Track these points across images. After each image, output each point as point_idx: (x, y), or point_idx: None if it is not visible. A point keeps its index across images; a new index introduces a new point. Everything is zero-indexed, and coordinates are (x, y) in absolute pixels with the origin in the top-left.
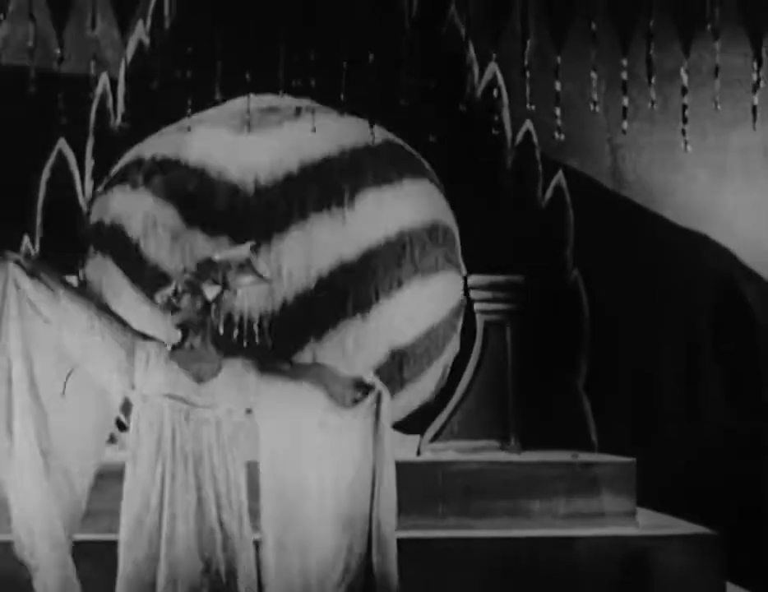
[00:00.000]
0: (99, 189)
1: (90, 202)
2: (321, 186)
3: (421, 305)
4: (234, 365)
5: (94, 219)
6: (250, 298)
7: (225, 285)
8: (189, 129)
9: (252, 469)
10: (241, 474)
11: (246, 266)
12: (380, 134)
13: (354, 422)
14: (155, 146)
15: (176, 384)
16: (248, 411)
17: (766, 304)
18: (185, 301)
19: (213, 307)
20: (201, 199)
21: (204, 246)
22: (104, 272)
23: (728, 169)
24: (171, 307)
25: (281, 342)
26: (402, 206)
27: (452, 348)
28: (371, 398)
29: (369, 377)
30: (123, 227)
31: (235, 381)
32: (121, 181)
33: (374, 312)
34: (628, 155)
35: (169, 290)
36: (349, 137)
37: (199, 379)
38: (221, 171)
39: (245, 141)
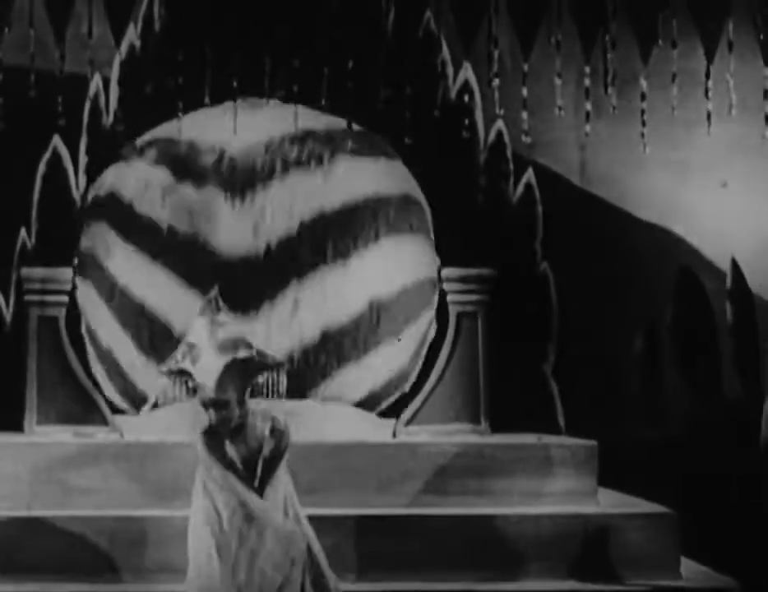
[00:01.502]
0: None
1: (83, 200)
2: (302, 150)
3: (396, 261)
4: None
5: (90, 196)
6: (235, 241)
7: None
8: (180, 132)
9: None
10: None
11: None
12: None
13: None
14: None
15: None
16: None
17: (724, 295)
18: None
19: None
20: (189, 160)
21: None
22: (98, 236)
23: (689, 166)
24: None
25: (264, 284)
26: (378, 173)
27: (428, 319)
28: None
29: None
30: (117, 193)
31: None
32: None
33: (354, 260)
34: (595, 153)
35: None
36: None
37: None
38: (208, 140)
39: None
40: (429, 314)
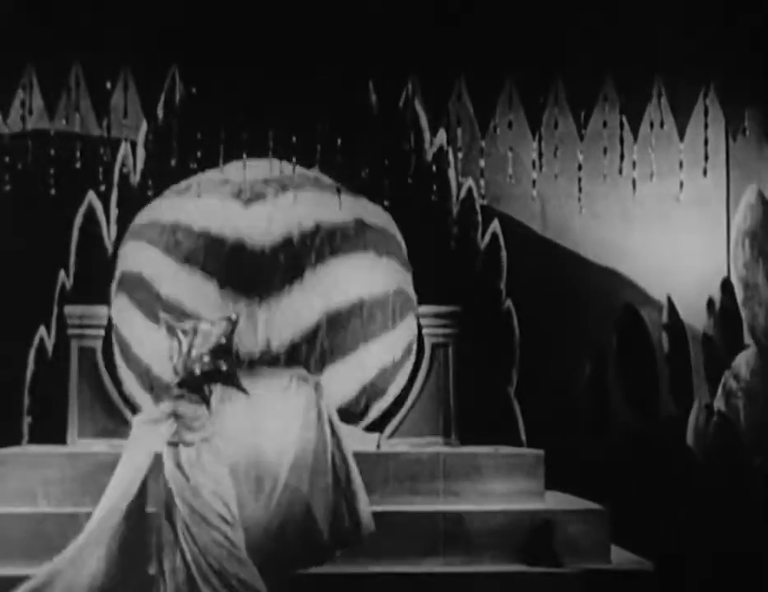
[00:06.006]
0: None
1: (114, 247)
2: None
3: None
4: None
5: (118, 268)
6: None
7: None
8: (199, 195)
9: None
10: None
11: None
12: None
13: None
14: (167, 212)
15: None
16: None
17: (661, 327)
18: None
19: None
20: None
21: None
22: (122, 308)
23: (633, 216)
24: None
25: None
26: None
27: (409, 330)
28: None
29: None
30: (142, 274)
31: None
32: (138, 238)
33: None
34: (553, 206)
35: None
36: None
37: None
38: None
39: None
40: (410, 327)
